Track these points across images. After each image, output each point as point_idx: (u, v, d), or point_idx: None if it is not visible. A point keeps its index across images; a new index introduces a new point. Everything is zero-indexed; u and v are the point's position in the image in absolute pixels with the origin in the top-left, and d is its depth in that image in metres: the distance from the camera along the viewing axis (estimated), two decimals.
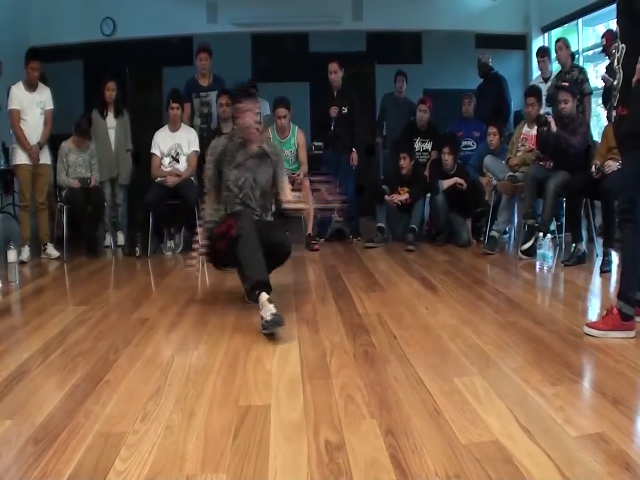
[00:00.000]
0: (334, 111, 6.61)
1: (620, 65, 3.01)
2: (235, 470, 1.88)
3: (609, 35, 5.90)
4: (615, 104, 3.12)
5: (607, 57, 6.23)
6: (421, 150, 7.10)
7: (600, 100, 6.57)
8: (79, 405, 2.38)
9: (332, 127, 6.65)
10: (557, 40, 6.83)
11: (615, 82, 3.10)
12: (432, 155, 7.01)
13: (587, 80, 6.40)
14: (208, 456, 1.97)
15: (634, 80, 2.88)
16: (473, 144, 7.24)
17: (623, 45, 2.98)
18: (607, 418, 2.13)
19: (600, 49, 6.58)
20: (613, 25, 6.15)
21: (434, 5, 9.35)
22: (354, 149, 6.68)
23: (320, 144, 7.38)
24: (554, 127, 5.34)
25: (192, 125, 6.70)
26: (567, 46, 6.58)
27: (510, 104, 7.78)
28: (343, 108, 6.63)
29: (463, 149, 7.09)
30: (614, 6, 7.22)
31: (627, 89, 2.97)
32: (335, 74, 6.64)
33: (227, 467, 1.89)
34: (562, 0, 8.53)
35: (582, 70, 6.50)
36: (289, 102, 6.50)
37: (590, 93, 6.40)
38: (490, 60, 7.77)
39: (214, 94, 6.78)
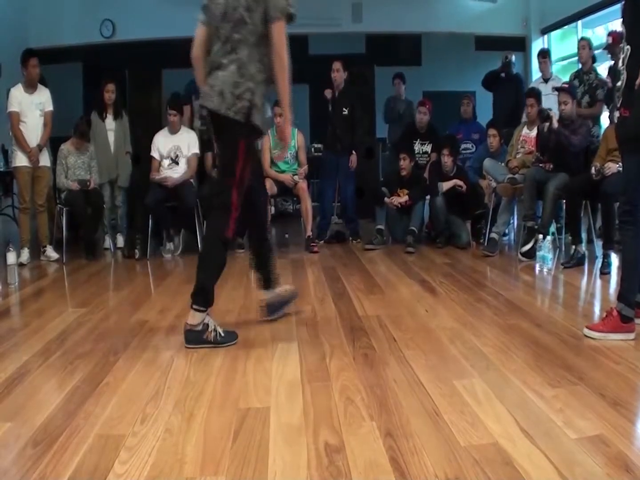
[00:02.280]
0: (328, 92, 6.64)
1: (624, 66, 3.01)
2: (234, 473, 1.87)
3: (615, 35, 5.91)
4: (618, 105, 3.13)
5: (610, 56, 6.23)
6: (421, 152, 7.10)
7: None
8: (79, 407, 2.38)
9: (329, 108, 6.67)
10: (581, 39, 6.81)
11: (618, 83, 3.10)
12: (432, 158, 7.00)
13: (603, 85, 6.38)
14: (207, 458, 1.97)
15: (637, 82, 2.88)
16: (472, 146, 7.23)
17: (628, 46, 2.98)
18: (607, 420, 2.13)
19: (602, 49, 6.58)
20: (615, 26, 6.15)
21: (433, 8, 9.37)
22: (354, 152, 6.66)
23: (319, 145, 7.38)
24: (555, 123, 5.35)
25: (192, 127, 6.69)
26: (590, 47, 6.58)
27: None
28: (344, 110, 6.63)
29: (462, 151, 7.08)
30: (613, 8, 7.27)
31: (629, 91, 2.97)
32: (338, 72, 6.65)
33: (226, 470, 1.89)
34: (562, 2, 8.55)
35: (597, 76, 6.47)
36: None
37: (602, 100, 6.36)
38: (514, 58, 7.73)
39: None
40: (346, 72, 6.69)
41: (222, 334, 3.21)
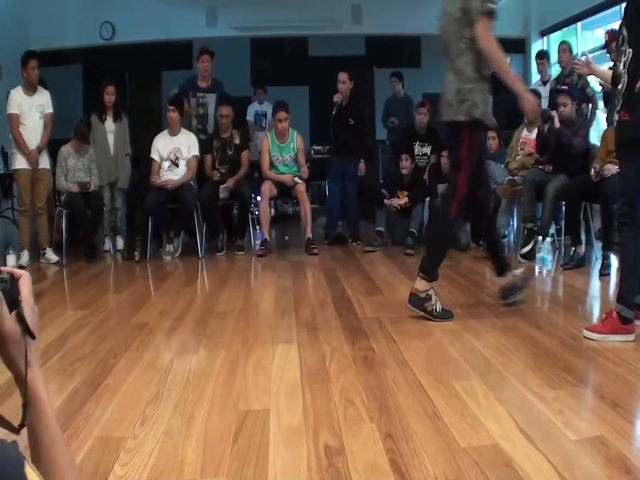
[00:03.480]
0: (338, 97, 6.64)
1: (625, 69, 3.01)
2: (234, 475, 1.87)
3: (611, 33, 5.92)
4: (618, 108, 3.13)
5: (608, 55, 6.24)
6: (420, 154, 7.09)
7: (601, 104, 6.58)
8: (79, 410, 2.38)
9: (333, 112, 6.67)
10: (561, 43, 6.84)
11: (619, 86, 3.10)
12: (431, 160, 7.01)
13: (588, 84, 6.41)
14: (207, 460, 1.97)
15: (637, 86, 2.88)
16: None
17: (630, 49, 2.99)
18: (607, 421, 2.13)
19: (600, 51, 6.59)
20: (613, 26, 6.16)
21: (433, 9, 9.28)
22: (362, 160, 6.68)
23: (319, 147, 7.39)
24: (557, 123, 5.35)
25: (188, 126, 6.69)
26: (571, 50, 6.61)
27: None
28: (350, 120, 6.65)
29: None
30: (612, 10, 7.27)
31: (630, 94, 2.97)
32: (344, 84, 6.65)
33: (226, 472, 1.89)
34: (562, 4, 8.55)
35: (581, 75, 6.51)
36: (288, 105, 6.52)
37: (594, 95, 6.41)
38: (510, 61, 7.73)
39: (211, 96, 6.76)
40: (352, 81, 6.69)
41: (440, 310, 3.56)
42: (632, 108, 2.97)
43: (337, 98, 6.68)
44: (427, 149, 7.09)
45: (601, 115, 6.67)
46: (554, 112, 5.45)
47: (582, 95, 6.31)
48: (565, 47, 6.61)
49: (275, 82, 9.02)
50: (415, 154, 6.99)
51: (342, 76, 6.65)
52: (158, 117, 8.56)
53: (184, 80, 6.95)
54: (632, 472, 1.79)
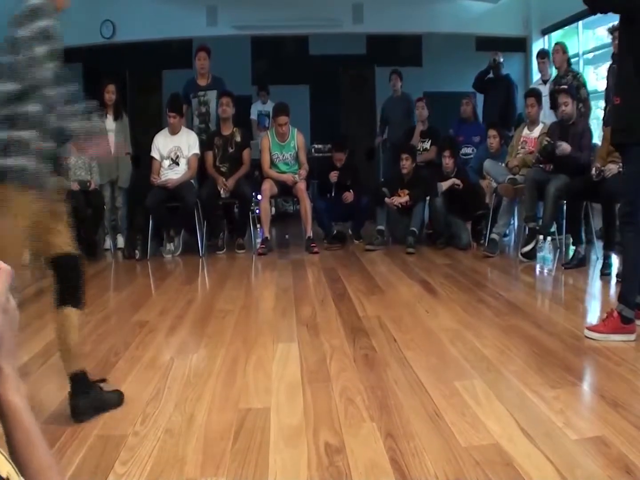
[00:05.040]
0: (333, 176, 6.68)
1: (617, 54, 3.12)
2: (235, 474, 1.88)
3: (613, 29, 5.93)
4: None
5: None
6: (421, 149, 7.19)
7: (602, 103, 6.56)
8: None
9: (333, 194, 6.72)
10: (555, 44, 6.86)
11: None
12: (431, 152, 7.06)
13: (583, 85, 6.39)
14: (208, 459, 1.97)
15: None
16: (473, 150, 7.21)
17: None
18: (607, 421, 2.13)
19: (601, 50, 6.59)
20: (615, 24, 6.17)
21: (434, 8, 9.37)
22: (350, 190, 6.71)
23: (320, 146, 7.39)
24: (567, 148, 5.21)
25: (190, 126, 6.69)
26: (564, 51, 6.61)
27: (517, 108, 7.72)
28: (347, 182, 6.70)
29: (462, 156, 7.07)
30: None
31: (620, 78, 3.08)
32: (341, 161, 6.77)
33: (226, 470, 1.89)
34: (563, 2, 8.54)
35: (576, 76, 6.48)
36: (288, 108, 6.50)
37: (587, 96, 6.39)
38: (502, 60, 7.75)
39: (212, 93, 6.75)
40: (346, 152, 6.79)
41: None
42: (622, 91, 3.02)
43: (333, 178, 6.72)
44: (427, 144, 7.18)
45: (601, 114, 6.65)
46: (557, 146, 5.29)
47: (577, 94, 6.29)
48: (558, 48, 6.64)
49: (276, 81, 8.99)
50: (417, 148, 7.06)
51: (339, 156, 6.77)
52: (158, 116, 8.55)
53: (185, 84, 6.93)
54: (632, 472, 1.79)
